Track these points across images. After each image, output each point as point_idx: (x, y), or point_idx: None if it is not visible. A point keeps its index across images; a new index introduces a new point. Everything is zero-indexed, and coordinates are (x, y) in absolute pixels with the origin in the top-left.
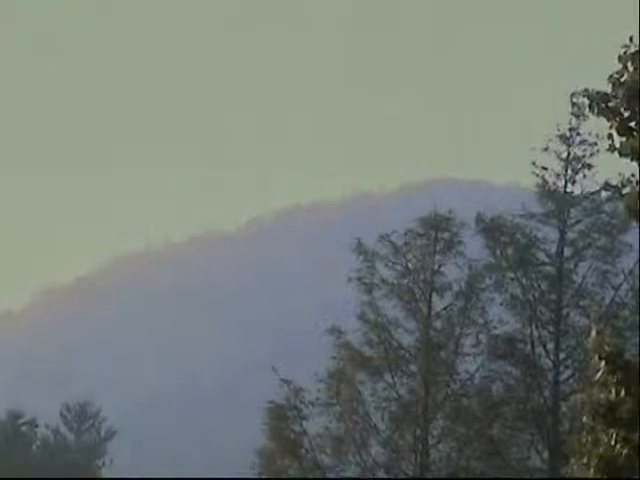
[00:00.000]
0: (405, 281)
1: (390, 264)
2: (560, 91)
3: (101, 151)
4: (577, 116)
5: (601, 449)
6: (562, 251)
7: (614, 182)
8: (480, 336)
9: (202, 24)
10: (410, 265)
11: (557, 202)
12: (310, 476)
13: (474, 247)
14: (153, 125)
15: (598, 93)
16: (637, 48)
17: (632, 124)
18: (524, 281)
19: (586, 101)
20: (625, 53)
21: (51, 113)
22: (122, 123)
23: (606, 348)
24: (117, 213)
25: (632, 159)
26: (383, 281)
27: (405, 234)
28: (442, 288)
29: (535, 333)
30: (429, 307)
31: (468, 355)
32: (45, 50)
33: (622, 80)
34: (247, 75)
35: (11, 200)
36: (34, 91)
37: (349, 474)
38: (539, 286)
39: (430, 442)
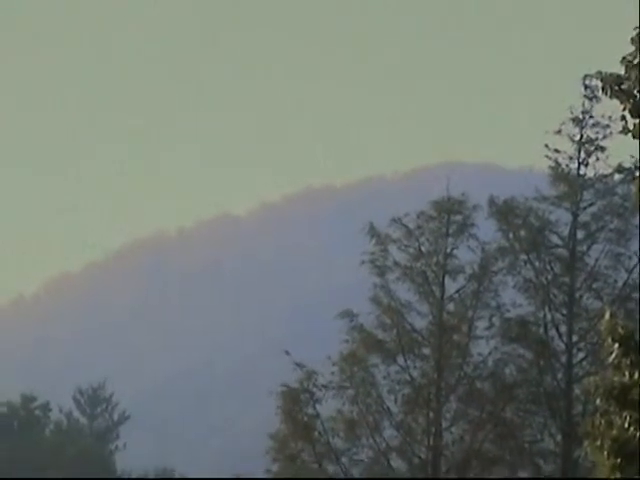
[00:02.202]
0: (418, 264)
1: (403, 247)
2: (573, 73)
3: (111, 136)
4: (590, 99)
5: (615, 431)
6: (575, 234)
7: (627, 164)
8: (493, 319)
9: (196, 24)
10: (423, 248)
11: (570, 185)
12: (324, 460)
13: (487, 230)
14: (163, 109)
15: (611, 75)
16: None
17: None
18: (537, 264)
19: (599, 83)
20: (638, 35)
21: (59, 105)
22: (131, 109)
23: (619, 330)
24: (127, 199)
25: None
26: (396, 264)
27: (418, 217)
28: (455, 271)
29: (548, 316)
30: (442, 290)
31: (481, 338)
32: (42, 47)
33: (635, 62)
34: (256, 60)
35: (22, 186)
36: (38, 86)
37: (362, 457)
38: (552, 269)
39: (443, 425)
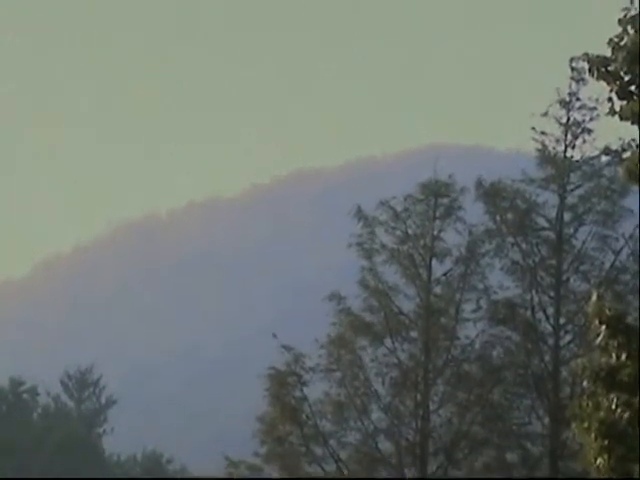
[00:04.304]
0: (405, 247)
1: (390, 230)
2: (560, 55)
3: (99, 118)
4: (577, 81)
5: (602, 413)
6: (562, 216)
7: (614, 146)
8: (480, 301)
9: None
10: (410, 231)
11: (557, 167)
12: (311, 442)
13: (474, 213)
14: (152, 93)
15: (598, 57)
16: (637, 11)
17: (632, 88)
18: (524, 246)
19: (586, 65)
20: (625, 16)
21: (54, 83)
22: (124, 94)
23: (607, 312)
24: (117, 181)
25: (632, 123)
26: (383, 247)
27: (405, 200)
28: (442, 254)
29: (535, 298)
30: (429, 273)
31: (468, 320)
32: (40, 46)
33: (622, 44)
34: (244, 45)
35: (12, 168)
36: (34, 75)
37: (350, 439)
38: (539, 251)
39: (431, 407)
